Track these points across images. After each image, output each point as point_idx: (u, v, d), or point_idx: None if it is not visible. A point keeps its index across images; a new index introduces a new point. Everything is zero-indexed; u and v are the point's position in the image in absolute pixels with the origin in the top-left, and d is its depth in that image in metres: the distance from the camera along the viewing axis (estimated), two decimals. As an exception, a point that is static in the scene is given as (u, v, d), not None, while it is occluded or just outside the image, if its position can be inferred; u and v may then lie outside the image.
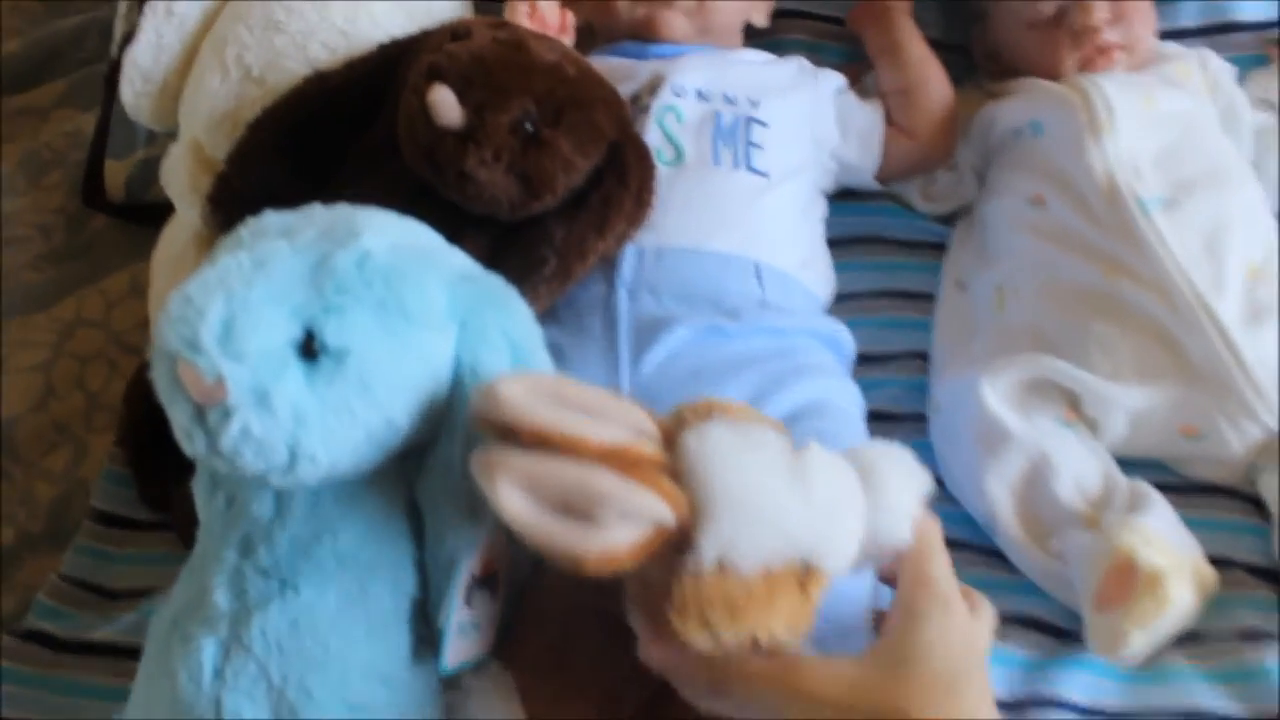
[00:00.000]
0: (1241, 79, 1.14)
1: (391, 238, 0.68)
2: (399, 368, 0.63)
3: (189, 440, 0.61)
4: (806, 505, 0.59)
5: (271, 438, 0.60)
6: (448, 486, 0.65)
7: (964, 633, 0.62)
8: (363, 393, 0.62)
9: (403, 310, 0.64)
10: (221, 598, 0.66)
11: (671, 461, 0.59)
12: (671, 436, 0.60)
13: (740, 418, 0.62)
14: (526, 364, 0.69)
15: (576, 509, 0.56)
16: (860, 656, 0.61)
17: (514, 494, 0.55)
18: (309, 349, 0.62)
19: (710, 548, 0.57)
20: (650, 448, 0.59)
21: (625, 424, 0.60)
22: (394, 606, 0.68)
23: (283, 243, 0.65)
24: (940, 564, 0.64)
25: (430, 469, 0.67)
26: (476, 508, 0.62)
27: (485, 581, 0.67)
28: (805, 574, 0.59)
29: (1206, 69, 1.12)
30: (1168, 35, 1.16)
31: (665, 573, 0.57)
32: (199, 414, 0.60)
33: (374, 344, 0.62)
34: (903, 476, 0.64)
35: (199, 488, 0.71)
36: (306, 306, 0.62)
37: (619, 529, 0.56)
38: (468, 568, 0.65)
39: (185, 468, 0.71)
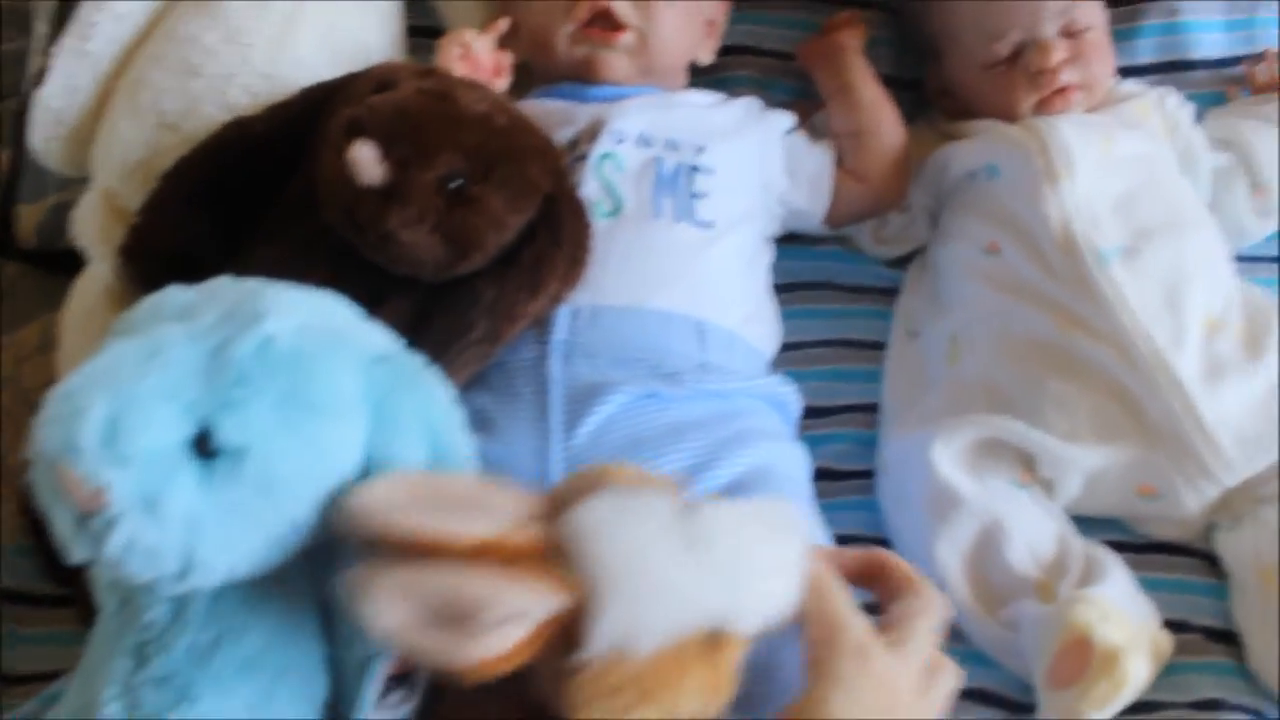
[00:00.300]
0: (1199, 118, 1.12)
1: (299, 318, 0.63)
2: (303, 465, 0.59)
3: (72, 548, 0.57)
4: (703, 569, 0.56)
5: (162, 546, 0.56)
6: None
7: (884, 680, 0.60)
8: (263, 494, 0.58)
9: (308, 401, 0.60)
10: (112, 711, 0.61)
11: (558, 541, 0.56)
12: (559, 513, 0.58)
13: (630, 483, 0.60)
14: (444, 450, 0.65)
15: (458, 615, 0.53)
16: None
17: (390, 609, 0.53)
18: (204, 448, 0.57)
19: (604, 634, 0.54)
20: (528, 535, 0.56)
21: (503, 513, 0.57)
22: (304, 711, 0.64)
23: (178, 328, 0.61)
24: (841, 609, 0.61)
25: (342, 566, 0.63)
26: None
27: (401, 680, 0.64)
28: (714, 642, 0.57)
29: (1165, 109, 1.10)
30: (1125, 71, 1.15)
31: (567, 659, 0.55)
32: (81, 520, 0.56)
33: (276, 441, 0.59)
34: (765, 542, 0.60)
35: (95, 582, 0.67)
36: (201, 402, 0.58)
37: (502, 631, 0.53)
38: (383, 669, 0.62)
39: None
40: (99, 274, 0.95)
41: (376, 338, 0.68)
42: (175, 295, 0.66)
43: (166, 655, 0.61)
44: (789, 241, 1.09)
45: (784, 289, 1.05)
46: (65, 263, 1.05)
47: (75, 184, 1.07)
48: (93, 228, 0.95)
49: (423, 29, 1.14)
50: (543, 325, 0.88)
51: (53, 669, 0.89)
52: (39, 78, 1.01)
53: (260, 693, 0.62)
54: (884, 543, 0.94)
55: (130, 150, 0.94)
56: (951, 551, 0.90)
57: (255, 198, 0.92)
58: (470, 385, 0.84)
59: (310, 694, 0.64)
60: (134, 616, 0.63)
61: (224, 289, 0.66)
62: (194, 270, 0.70)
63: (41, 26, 1.16)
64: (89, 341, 0.87)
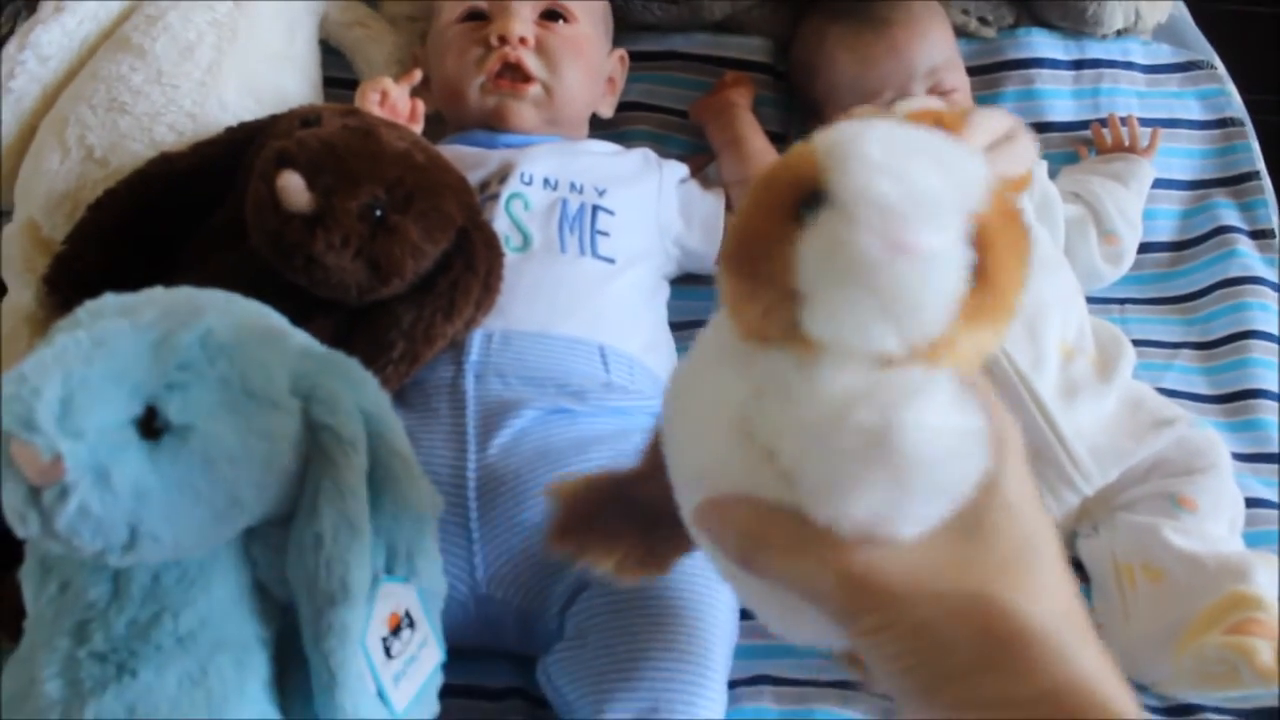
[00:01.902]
0: (1053, 174, 1.23)
1: (234, 317, 0.67)
2: (244, 444, 0.63)
3: (22, 522, 0.60)
4: None
5: (111, 516, 0.59)
6: (317, 563, 0.64)
7: (1032, 483, 0.52)
8: (207, 470, 0.62)
9: (246, 387, 0.63)
10: (53, 688, 0.63)
11: None
12: None
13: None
14: (381, 432, 0.69)
15: None
16: (928, 536, 0.49)
17: None
18: (151, 427, 0.61)
19: None
20: None
21: None
22: (237, 687, 0.66)
23: (123, 321, 0.64)
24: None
25: (295, 548, 0.66)
26: (350, 579, 0.63)
27: (395, 631, 0.69)
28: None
29: (1022, 165, 1.20)
30: (986, 134, 1.25)
31: None
32: (33, 494, 0.59)
33: (218, 421, 0.62)
34: None
35: (29, 575, 0.69)
36: (148, 383, 0.61)
37: None
38: (376, 634, 0.66)
39: (10, 557, 0.69)
40: (21, 303, 0.97)
41: (304, 339, 0.72)
42: (114, 299, 0.69)
43: (107, 632, 0.64)
44: (686, 282, 1.16)
45: (682, 325, 1.11)
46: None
47: (-7, 217, 1.10)
48: (16, 258, 0.98)
49: (339, 80, 1.20)
50: (458, 348, 0.93)
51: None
52: (-39, 115, 1.04)
53: (196, 667, 0.64)
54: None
55: (56, 183, 0.98)
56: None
57: (179, 229, 0.96)
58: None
59: (245, 669, 0.66)
60: (75, 598, 0.65)
61: (160, 294, 0.70)
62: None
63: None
64: (11, 366, 0.89)
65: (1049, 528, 0.51)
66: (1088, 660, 0.47)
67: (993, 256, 0.47)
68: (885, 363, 0.47)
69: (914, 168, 0.46)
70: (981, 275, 0.46)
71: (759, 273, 0.48)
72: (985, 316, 0.47)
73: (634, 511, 0.69)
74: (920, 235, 0.45)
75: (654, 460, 0.62)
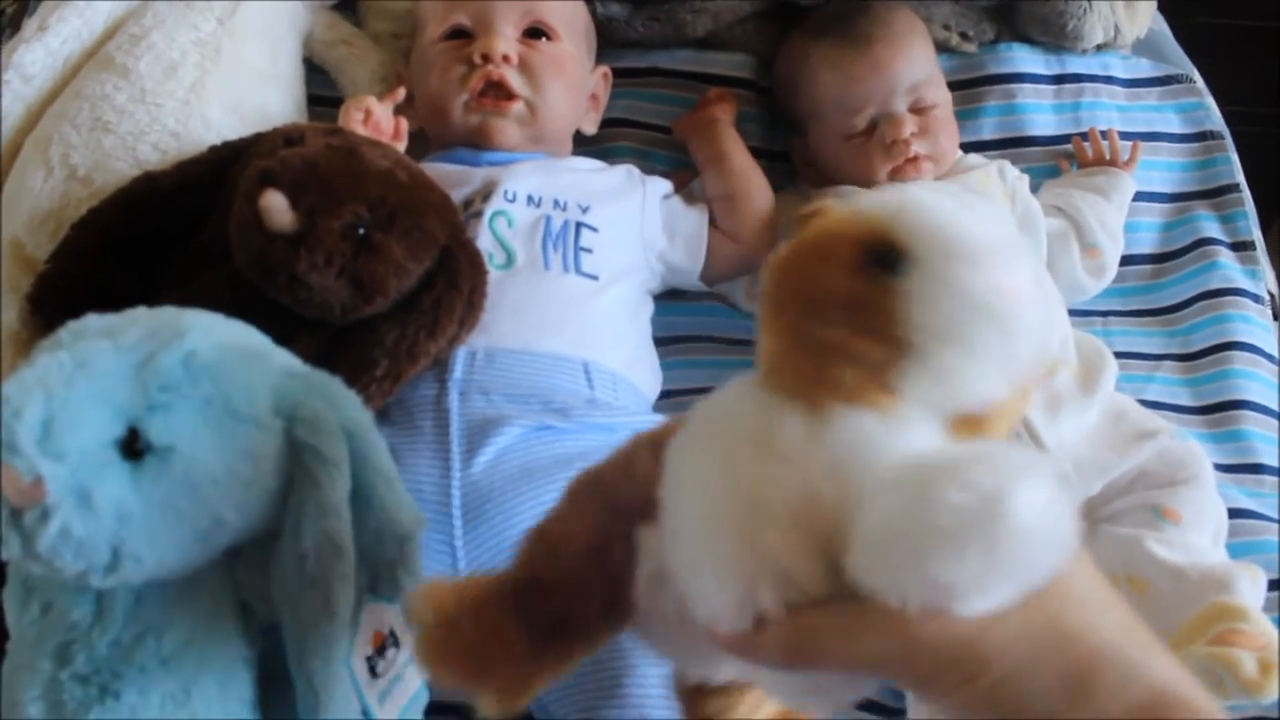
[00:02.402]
0: (1035, 188, 1.23)
1: (216, 337, 0.67)
2: (226, 465, 0.63)
3: (3, 544, 0.60)
4: None
5: (93, 537, 0.59)
6: (301, 582, 0.64)
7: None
8: (189, 491, 0.62)
9: (229, 408, 0.64)
10: (36, 710, 0.64)
11: None
12: None
13: None
14: (364, 451, 0.69)
15: None
16: None
17: None
18: (133, 448, 0.61)
19: None
20: None
21: None
22: (221, 708, 0.66)
23: (105, 342, 0.64)
24: None
25: (279, 568, 0.66)
26: (334, 598, 0.63)
27: (380, 650, 0.69)
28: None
29: (1005, 178, 1.21)
30: (969, 146, 1.26)
31: None
32: (14, 516, 0.59)
33: (200, 442, 0.62)
34: None
35: (10, 598, 0.69)
36: (130, 405, 0.61)
37: None
38: (361, 653, 0.66)
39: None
40: (5, 322, 0.97)
41: (287, 358, 0.72)
42: (96, 319, 0.69)
43: (90, 653, 0.64)
44: (671, 297, 1.16)
45: (667, 341, 1.12)
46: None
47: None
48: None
49: (323, 98, 1.20)
50: (442, 365, 0.93)
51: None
52: (-56, 135, 1.04)
53: (179, 688, 0.65)
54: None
55: (40, 202, 0.98)
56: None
57: (163, 248, 0.96)
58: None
59: (228, 689, 0.66)
60: (57, 620, 0.65)
61: (143, 315, 0.70)
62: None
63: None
64: (-6, 385, 0.89)
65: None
66: (1163, 667, 0.47)
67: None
68: (957, 426, 0.47)
69: (975, 220, 0.48)
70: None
71: (840, 333, 0.47)
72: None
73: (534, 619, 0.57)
74: (1014, 276, 0.46)
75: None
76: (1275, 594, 0.96)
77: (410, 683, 0.72)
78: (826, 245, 0.49)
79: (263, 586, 0.68)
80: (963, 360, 0.45)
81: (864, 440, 0.46)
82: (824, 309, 0.47)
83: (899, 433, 0.46)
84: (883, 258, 0.46)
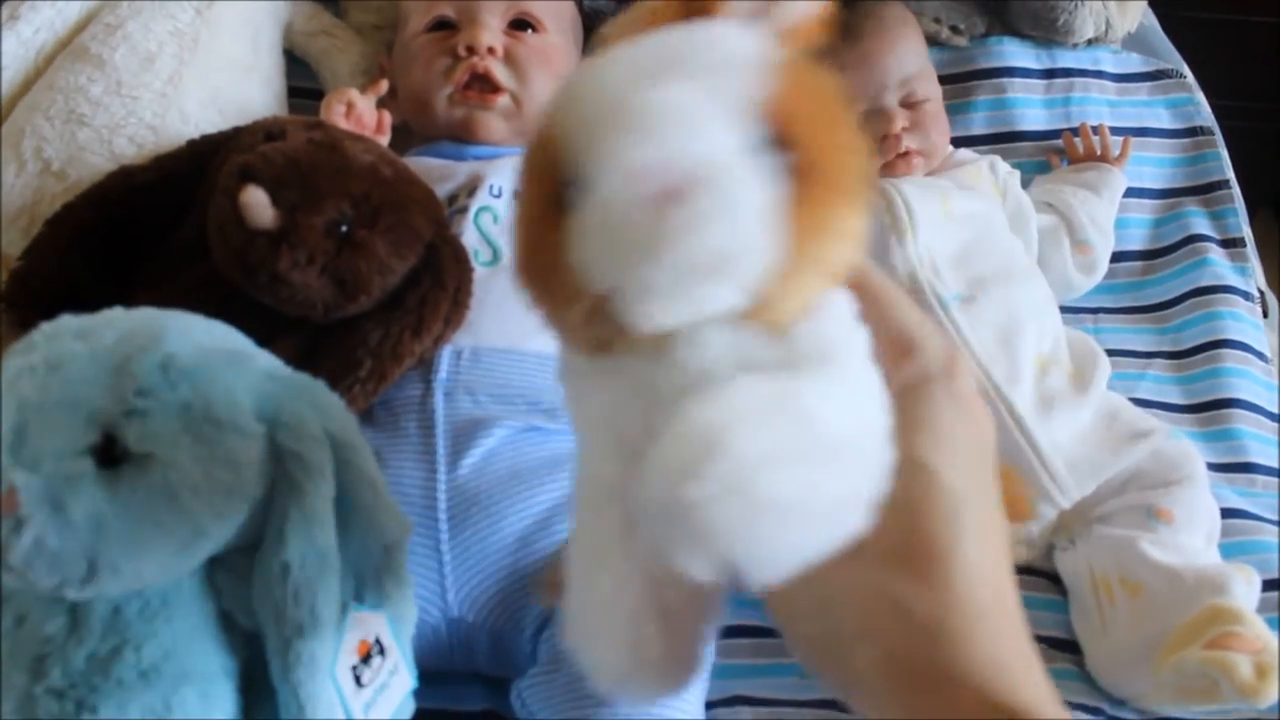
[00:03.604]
0: (1025, 183, 1.22)
1: (195, 340, 0.65)
2: (206, 473, 0.61)
3: (-26, 557, 0.58)
4: None
5: (68, 549, 0.57)
6: (284, 592, 0.62)
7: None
8: (168, 500, 0.59)
9: (209, 413, 0.61)
10: (8, 724, 0.61)
11: None
12: None
13: None
14: (349, 457, 0.67)
15: None
16: None
17: None
18: (109, 455, 0.59)
19: None
20: None
21: None
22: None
23: (80, 345, 0.62)
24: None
25: (262, 578, 0.64)
26: (318, 607, 0.61)
27: (365, 659, 0.67)
28: None
29: (995, 174, 1.20)
30: (960, 141, 1.25)
31: None
32: (-14, 528, 0.57)
33: (179, 449, 0.60)
34: None
35: (-13, 603, 0.67)
36: (106, 410, 0.59)
37: None
38: (346, 663, 0.64)
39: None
40: (-24, 320, 0.95)
41: (269, 360, 0.70)
42: (71, 321, 0.67)
43: (65, 666, 0.61)
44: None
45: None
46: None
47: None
48: (-30, 274, 0.95)
49: (303, 90, 1.18)
50: (427, 365, 0.91)
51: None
52: (-86, 128, 1.01)
53: (159, 701, 0.62)
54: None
55: (12, 197, 0.95)
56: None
57: (140, 245, 0.94)
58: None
59: (210, 701, 0.64)
60: (31, 632, 0.63)
61: (119, 316, 0.68)
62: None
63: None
64: (-34, 385, 0.87)
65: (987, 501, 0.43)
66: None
67: (805, 138, 0.38)
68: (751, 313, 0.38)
69: (655, 96, 0.37)
70: (801, 166, 0.38)
71: (555, 283, 0.39)
72: (826, 207, 0.38)
73: None
74: (686, 171, 0.36)
75: None
76: (1272, 594, 0.95)
77: (397, 690, 0.71)
78: (528, 182, 0.41)
79: (245, 596, 0.66)
80: (663, 293, 0.37)
81: (651, 388, 0.39)
82: (537, 261, 0.40)
83: (677, 360, 0.38)
84: (569, 188, 0.38)
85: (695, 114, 0.37)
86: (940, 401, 0.41)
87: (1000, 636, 0.40)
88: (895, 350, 0.42)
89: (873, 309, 0.42)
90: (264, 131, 0.91)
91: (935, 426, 0.41)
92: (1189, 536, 0.96)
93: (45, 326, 0.66)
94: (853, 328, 0.40)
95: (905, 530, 0.39)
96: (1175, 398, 1.16)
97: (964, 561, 0.39)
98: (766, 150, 0.37)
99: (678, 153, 0.36)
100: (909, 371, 0.41)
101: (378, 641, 0.69)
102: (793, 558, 0.37)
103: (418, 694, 0.72)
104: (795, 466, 0.36)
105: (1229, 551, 0.99)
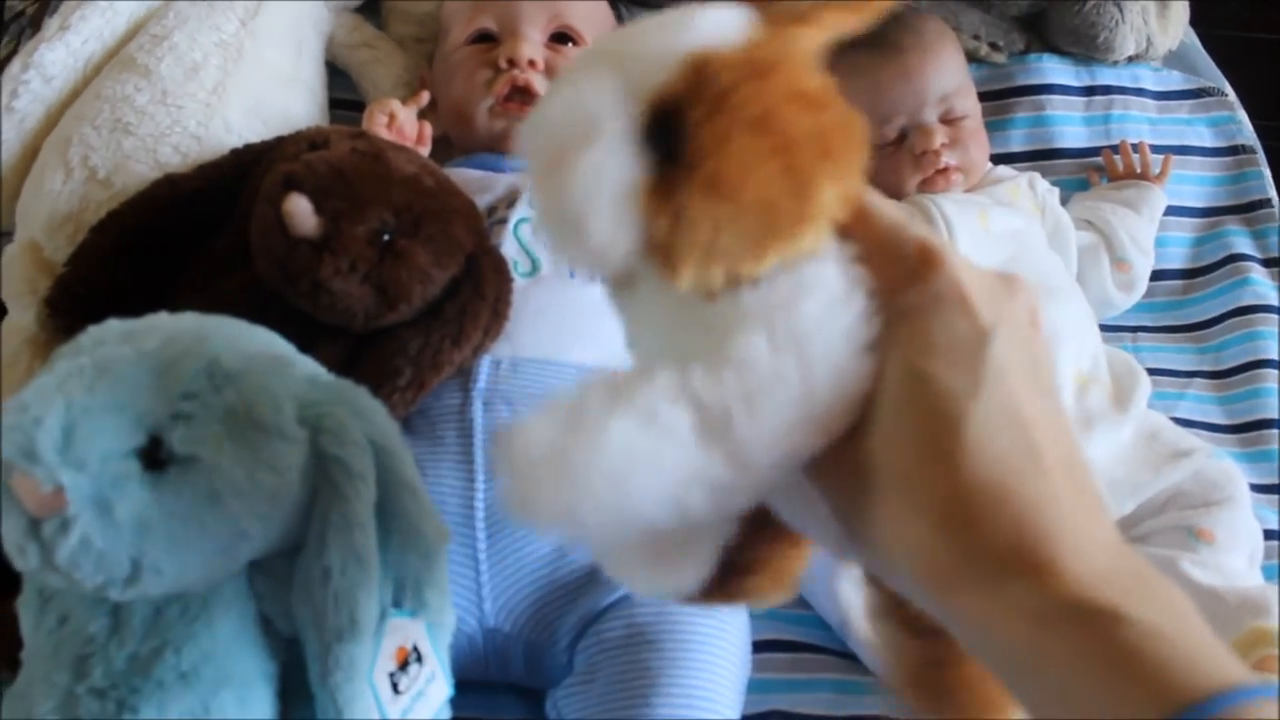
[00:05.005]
0: (1064, 200, 1.22)
1: (240, 345, 0.66)
2: (249, 477, 0.61)
3: (21, 555, 0.58)
4: None
5: (113, 549, 0.58)
6: (324, 597, 0.62)
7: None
8: (211, 503, 0.60)
9: (252, 417, 0.62)
10: (50, 723, 0.62)
11: None
12: None
13: None
14: (390, 464, 0.67)
15: None
16: None
17: None
18: (155, 457, 0.59)
19: None
20: None
21: None
22: (241, 722, 0.65)
23: (127, 348, 0.63)
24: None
25: (302, 582, 0.64)
26: (357, 613, 0.61)
27: (403, 666, 0.66)
28: None
29: (1034, 191, 1.20)
30: (999, 158, 1.25)
31: None
32: (33, 527, 0.57)
33: (223, 453, 0.60)
34: None
35: (26, 607, 0.67)
36: (152, 413, 0.60)
37: None
38: (383, 669, 0.64)
39: (7, 585, 0.67)
40: (22, 324, 0.96)
41: (311, 366, 0.71)
42: (117, 325, 0.67)
43: (107, 667, 0.62)
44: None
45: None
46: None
47: (-6, 239, 1.09)
48: (17, 279, 0.96)
49: (344, 101, 1.19)
50: (466, 374, 0.91)
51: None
52: (-39, 136, 1.03)
53: (198, 703, 0.63)
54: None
55: (58, 204, 0.96)
56: (853, 588, 0.93)
57: (182, 252, 0.94)
58: (395, 430, 0.87)
59: (248, 705, 0.65)
60: (74, 631, 0.63)
61: (165, 321, 0.68)
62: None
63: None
64: (12, 389, 0.88)
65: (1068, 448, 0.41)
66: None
67: (688, 136, 0.40)
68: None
69: (565, 89, 0.43)
70: (687, 154, 0.40)
71: None
72: (698, 196, 0.40)
73: None
74: (562, 142, 0.41)
75: None
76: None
77: (433, 698, 0.71)
78: None
79: (284, 600, 0.66)
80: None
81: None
82: None
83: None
84: None
85: (579, 111, 0.41)
86: (952, 320, 0.41)
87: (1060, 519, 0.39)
88: (902, 273, 0.42)
89: (873, 239, 0.43)
90: (307, 141, 0.91)
91: (932, 339, 0.41)
92: (1231, 557, 0.95)
93: (92, 330, 0.67)
94: (801, 298, 0.41)
95: (911, 435, 0.40)
96: (1216, 417, 1.14)
97: (972, 451, 0.39)
98: (646, 137, 0.40)
99: (559, 128, 0.42)
100: (920, 291, 0.41)
101: (415, 649, 0.69)
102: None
103: (453, 703, 0.72)
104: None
105: (1271, 573, 0.97)
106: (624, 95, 0.41)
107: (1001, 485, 0.39)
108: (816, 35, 0.44)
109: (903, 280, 0.42)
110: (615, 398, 0.40)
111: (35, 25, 1.18)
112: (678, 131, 0.40)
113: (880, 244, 0.43)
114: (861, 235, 0.43)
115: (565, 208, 0.41)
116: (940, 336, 0.40)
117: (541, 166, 0.42)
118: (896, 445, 0.41)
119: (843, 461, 0.42)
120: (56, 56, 1.04)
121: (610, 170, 0.40)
